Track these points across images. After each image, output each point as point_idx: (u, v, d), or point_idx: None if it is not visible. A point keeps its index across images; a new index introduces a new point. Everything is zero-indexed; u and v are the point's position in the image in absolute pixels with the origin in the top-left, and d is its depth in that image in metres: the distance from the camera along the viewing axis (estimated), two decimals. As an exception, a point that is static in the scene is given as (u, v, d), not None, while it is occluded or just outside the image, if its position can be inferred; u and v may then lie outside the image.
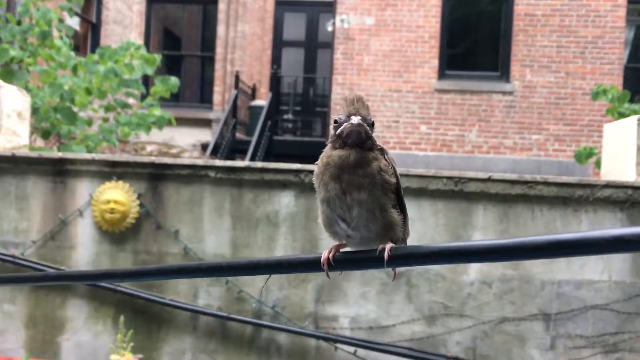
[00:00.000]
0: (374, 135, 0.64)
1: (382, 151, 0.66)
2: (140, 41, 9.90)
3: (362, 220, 0.74)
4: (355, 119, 0.60)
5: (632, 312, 3.63)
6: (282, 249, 3.75)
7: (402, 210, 0.81)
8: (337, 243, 0.65)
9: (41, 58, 5.41)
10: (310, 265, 0.53)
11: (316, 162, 0.63)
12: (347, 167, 0.61)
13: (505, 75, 9.18)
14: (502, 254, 0.43)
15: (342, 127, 0.62)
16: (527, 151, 8.98)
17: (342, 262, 0.53)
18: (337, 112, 0.69)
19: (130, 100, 6.24)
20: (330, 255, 0.54)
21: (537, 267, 3.69)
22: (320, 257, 0.54)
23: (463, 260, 0.42)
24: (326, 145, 0.66)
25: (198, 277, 0.61)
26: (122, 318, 3.56)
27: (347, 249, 0.58)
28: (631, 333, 3.63)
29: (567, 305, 3.65)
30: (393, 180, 0.66)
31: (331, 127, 0.64)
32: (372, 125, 0.63)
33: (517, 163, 8.79)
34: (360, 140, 0.61)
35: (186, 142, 11.00)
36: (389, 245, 0.72)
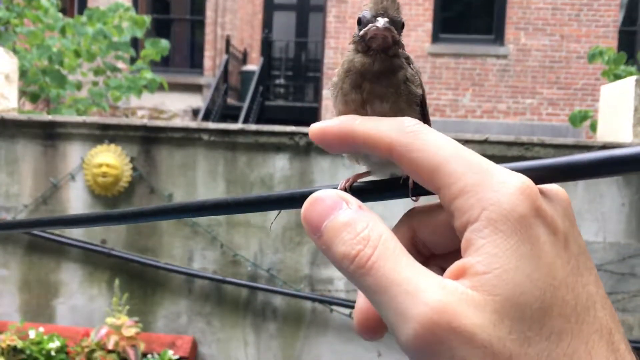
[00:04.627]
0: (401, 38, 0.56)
1: (408, 59, 0.58)
2: (128, 4, 9.70)
3: None
4: (382, 21, 0.52)
5: (626, 272, 3.66)
6: (277, 213, 3.72)
7: (427, 125, 0.69)
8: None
9: (28, 19, 5.29)
10: (325, 196, 0.48)
11: (336, 70, 0.56)
12: (370, 75, 0.54)
13: (499, 39, 9.09)
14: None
15: (366, 29, 0.54)
16: (521, 115, 8.95)
17: (361, 192, 0.47)
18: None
19: (120, 64, 6.13)
20: (347, 184, 0.48)
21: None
22: (336, 187, 0.48)
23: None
24: (349, 45, 0.58)
25: (202, 215, 0.58)
26: (117, 281, 3.55)
27: (369, 178, 0.52)
28: (624, 293, 3.65)
29: (562, 266, 3.66)
30: (419, 91, 0.58)
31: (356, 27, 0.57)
32: (401, 27, 0.55)
33: (510, 127, 8.77)
34: (386, 46, 0.54)
35: (177, 108, 10.89)
36: None
